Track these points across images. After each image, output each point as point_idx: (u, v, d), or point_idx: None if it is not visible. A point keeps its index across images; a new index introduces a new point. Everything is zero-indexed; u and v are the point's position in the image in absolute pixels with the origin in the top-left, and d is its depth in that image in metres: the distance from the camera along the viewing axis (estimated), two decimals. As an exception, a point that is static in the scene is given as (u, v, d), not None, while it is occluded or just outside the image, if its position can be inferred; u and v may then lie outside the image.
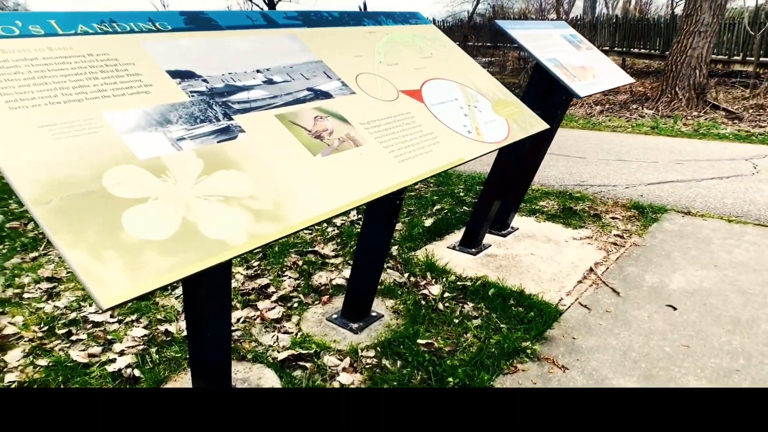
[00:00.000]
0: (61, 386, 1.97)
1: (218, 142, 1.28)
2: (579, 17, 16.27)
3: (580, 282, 2.68)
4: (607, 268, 2.81)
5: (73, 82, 1.21)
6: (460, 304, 2.49)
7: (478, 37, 16.12)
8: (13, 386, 1.98)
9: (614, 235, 3.22)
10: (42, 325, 2.38)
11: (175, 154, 1.19)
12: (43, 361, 2.11)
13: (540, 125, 2.17)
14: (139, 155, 1.15)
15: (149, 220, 1.04)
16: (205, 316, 1.38)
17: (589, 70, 2.77)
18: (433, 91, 1.98)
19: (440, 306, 2.47)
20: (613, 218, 3.49)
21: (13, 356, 2.17)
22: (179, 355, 2.12)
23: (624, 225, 3.39)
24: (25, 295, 2.65)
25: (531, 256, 3.01)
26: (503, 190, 2.94)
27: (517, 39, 2.63)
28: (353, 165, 1.45)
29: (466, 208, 3.82)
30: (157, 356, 2.11)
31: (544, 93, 2.70)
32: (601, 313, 2.38)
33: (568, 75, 2.55)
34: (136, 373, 2.01)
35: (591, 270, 2.80)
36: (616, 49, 12.08)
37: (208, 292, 1.27)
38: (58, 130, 1.10)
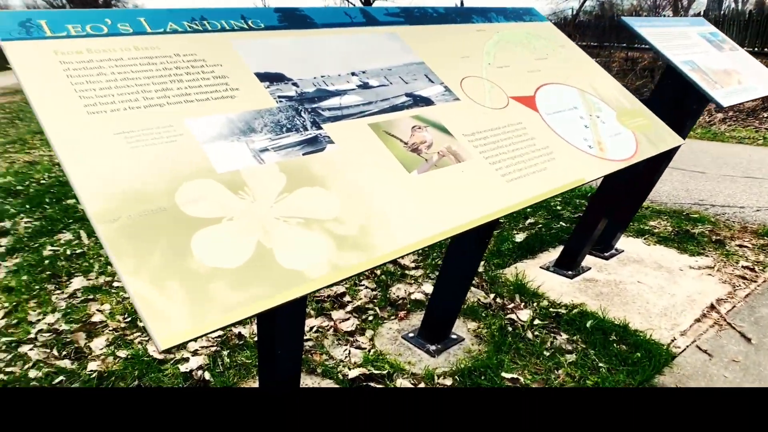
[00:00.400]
0: (136, 381, 1.95)
1: (304, 154, 1.15)
2: (702, 14, 14.99)
3: (698, 321, 2.34)
4: (734, 307, 2.44)
5: (156, 84, 1.12)
6: (552, 335, 2.25)
7: (583, 36, 15.28)
8: (93, 375, 1.98)
9: (742, 267, 2.81)
10: (126, 315, 2.40)
11: (256, 167, 1.07)
12: (122, 353, 2.12)
13: (673, 140, 1.88)
14: (218, 168, 1.04)
15: (221, 244, 0.93)
16: (278, 339, 1.27)
17: (733, 74, 2.40)
18: (549, 98, 1.75)
19: (529, 334, 2.24)
20: (740, 246, 3.07)
21: (98, 344, 2.20)
22: (249, 361, 2.05)
23: (755, 255, 2.96)
24: (115, 284, 2.70)
25: (638, 284, 2.69)
26: (612, 209, 2.64)
27: (647, 38, 2.33)
28: (453, 184, 1.27)
29: (564, 224, 3.52)
30: (228, 360, 2.05)
31: (674, 101, 2.37)
32: (726, 362, 2.05)
33: (707, 80, 2.21)
34: (207, 376, 1.96)
35: (712, 307, 2.44)
36: (746, 49, 10.98)
37: (280, 324, 1.15)
38: (135, 137, 1.01)
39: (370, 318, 2.38)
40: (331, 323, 2.32)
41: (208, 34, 1.30)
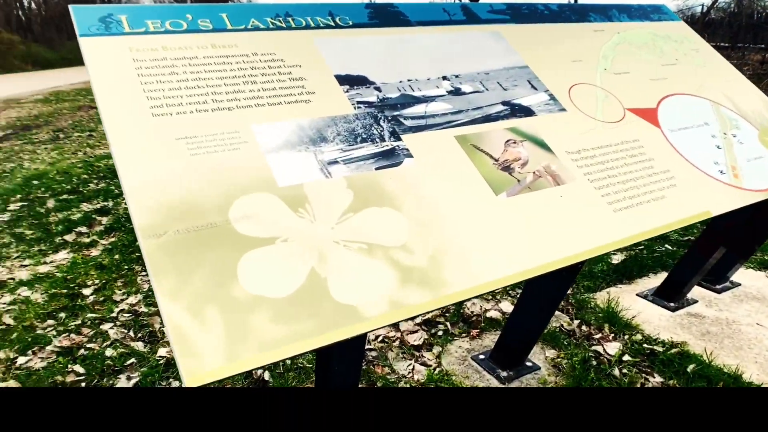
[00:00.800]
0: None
1: (377, 168, 1.04)
2: None
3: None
4: None
5: (228, 86, 1.05)
6: (644, 375, 1.97)
7: (713, 36, 13.79)
8: (161, 361, 2.01)
9: None
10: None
11: (321, 181, 0.98)
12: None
13: (829, 169, 1.56)
14: (280, 181, 0.95)
15: (270, 269, 0.84)
16: (335, 362, 1.17)
17: None
18: (675, 112, 1.51)
19: (616, 372, 1.97)
20: None
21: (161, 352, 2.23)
22: (310, 365, 1.98)
23: None
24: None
25: (756, 327, 2.30)
26: (733, 235, 2.28)
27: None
28: (548, 211, 1.10)
29: (669, 247, 3.12)
30: (289, 362, 2.00)
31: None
32: None
33: None
34: (266, 376, 1.92)
35: None
36: None
37: (335, 354, 1.05)
38: (197, 143, 0.95)
39: (440, 333, 2.23)
40: (398, 334, 2.21)
41: (291, 31, 1.22)
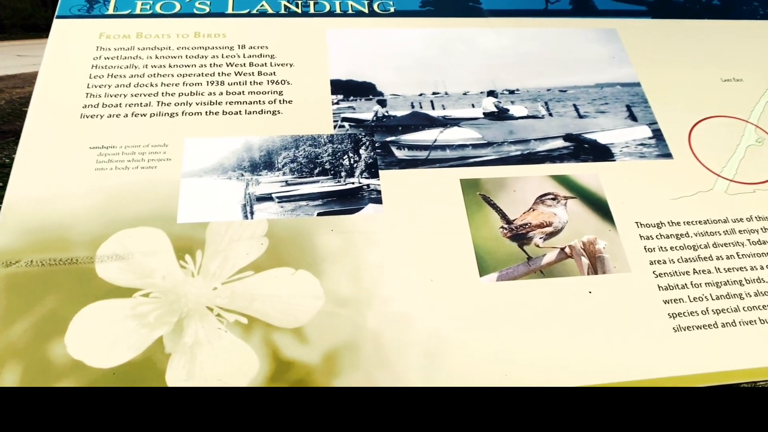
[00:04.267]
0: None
1: (320, 213, 0.80)
2: None
3: None
4: None
5: (186, 86, 0.90)
6: None
7: None
8: None
9: None
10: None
11: (234, 223, 0.79)
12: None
13: None
14: (181, 216, 0.78)
15: (108, 330, 0.69)
16: None
17: None
18: None
19: None
20: None
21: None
22: None
23: None
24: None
25: None
26: None
27: None
28: (550, 314, 0.76)
29: None
30: None
31: None
32: None
33: None
34: None
35: None
36: None
37: None
38: (109, 156, 0.83)
39: None
40: None
41: (304, 19, 1.01)
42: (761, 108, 1.00)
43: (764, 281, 0.82)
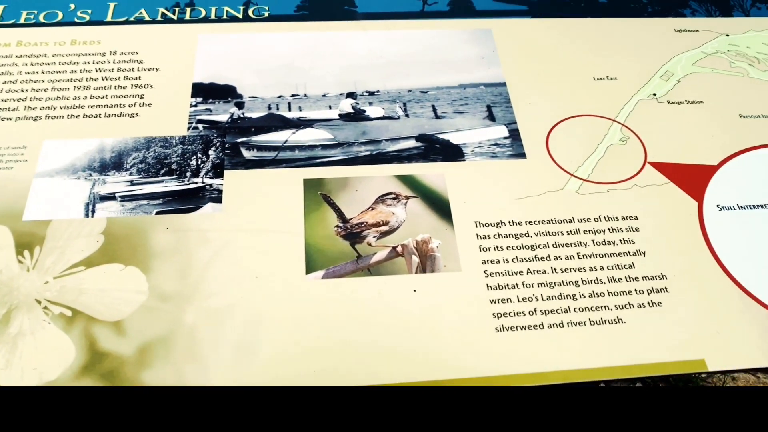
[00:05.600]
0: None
1: (159, 212, 0.84)
2: None
3: None
4: None
5: (54, 90, 0.95)
6: None
7: None
8: None
9: None
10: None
11: (75, 221, 0.82)
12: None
13: None
14: (28, 213, 0.83)
15: (-66, 321, 0.74)
16: None
17: None
18: (754, 176, 0.93)
19: None
20: None
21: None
22: None
23: None
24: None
25: None
26: None
27: None
28: (370, 313, 0.78)
29: None
30: None
31: None
32: None
33: None
34: None
35: None
36: None
37: None
38: (-33, 157, 0.88)
39: None
40: None
41: (178, 25, 1.04)
42: (631, 107, 0.99)
43: (602, 282, 0.82)
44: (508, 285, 0.81)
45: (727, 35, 1.11)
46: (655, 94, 1.01)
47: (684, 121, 0.98)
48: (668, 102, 1.00)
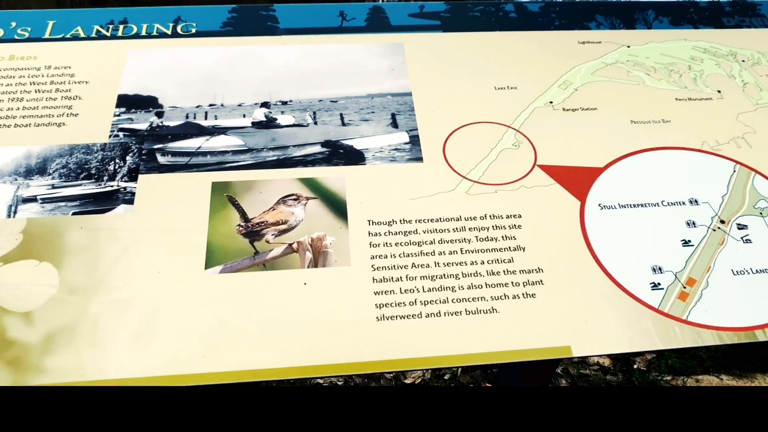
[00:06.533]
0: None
1: (75, 213, 0.91)
2: None
3: None
4: None
5: (-10, 102, 1.03)
6: None
7: None
8: None
9: None
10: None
11: (-3, 221, 0.90)
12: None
13: None
14: (-48, 215, 0.90)
15: None
16: None
17: None
18: (637, 176, 1.00)
19: None
20: None
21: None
22: None
23: None
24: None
25: None
26: None
27: None
28: (264, 304, 0.84)
29: None
30: None
31: None
32: None
33: None
34: None
35: None
36: None
37: None
38: None
39: None
40: None
41: (110, 41, 1.12)
42: (527, 114, 1.06)
43: (481, 275, 0.89)
44: (392, 278, 0.88)
45: (628, 46, 1.18)
46: (551, 102, 1.07)
47: (577, 127, 1.05)
48: (563, 109, 1.07)
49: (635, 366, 2.35)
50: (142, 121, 1.02)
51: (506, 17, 1.20)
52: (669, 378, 2.30)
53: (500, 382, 1.57)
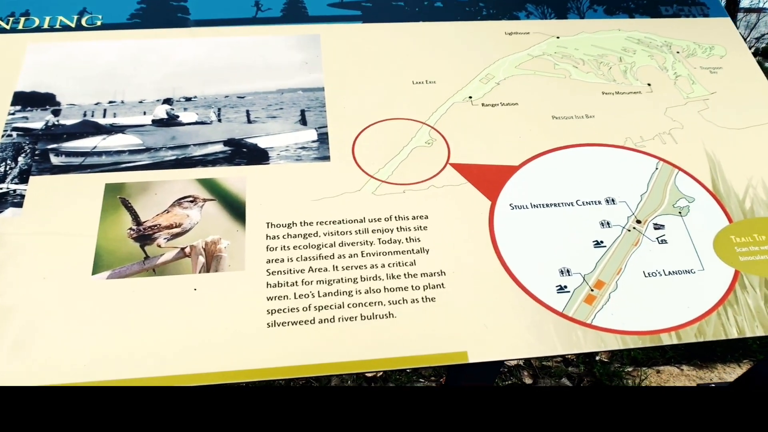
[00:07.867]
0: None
1: (-43, 218, 0.87)
2: None
3: None
4: None
5: None
6: None
7: None
8: None
9: None
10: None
11: None
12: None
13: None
14: None
15: None
16: None
17: None
18: (551, 175, 0.96)
19: None
20: None
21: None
22: None
23: None
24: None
25: None
26: None
27: None
28: (151, 311, 0.81)
29: None
30: None
31: None
32: None
33: None
34: None
35: None
36: None
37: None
38: None
39: None
40: None
41: (8, 35, 1.07)
42: (444, 110, 1.02)
43: (380, 279, 0.86)
44: (287, 283, 0.84)
45: (558, 37, 1.14)
46: (470, 97, 1.03)
47: (495, 123, 1.01)
48: (482, 104, 1.03)
49: (597, 357, 2.33)
50: (37, 120, 0.97)
51: (432, 7, 1.16)
52: (630, 369, 2.28)
53: (450, 383, 1.55)
